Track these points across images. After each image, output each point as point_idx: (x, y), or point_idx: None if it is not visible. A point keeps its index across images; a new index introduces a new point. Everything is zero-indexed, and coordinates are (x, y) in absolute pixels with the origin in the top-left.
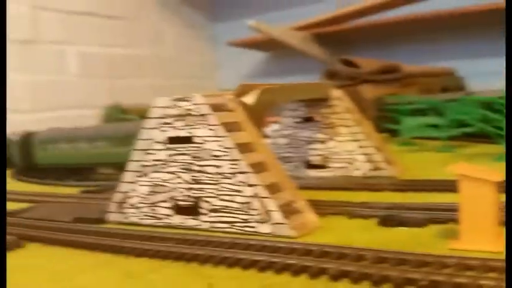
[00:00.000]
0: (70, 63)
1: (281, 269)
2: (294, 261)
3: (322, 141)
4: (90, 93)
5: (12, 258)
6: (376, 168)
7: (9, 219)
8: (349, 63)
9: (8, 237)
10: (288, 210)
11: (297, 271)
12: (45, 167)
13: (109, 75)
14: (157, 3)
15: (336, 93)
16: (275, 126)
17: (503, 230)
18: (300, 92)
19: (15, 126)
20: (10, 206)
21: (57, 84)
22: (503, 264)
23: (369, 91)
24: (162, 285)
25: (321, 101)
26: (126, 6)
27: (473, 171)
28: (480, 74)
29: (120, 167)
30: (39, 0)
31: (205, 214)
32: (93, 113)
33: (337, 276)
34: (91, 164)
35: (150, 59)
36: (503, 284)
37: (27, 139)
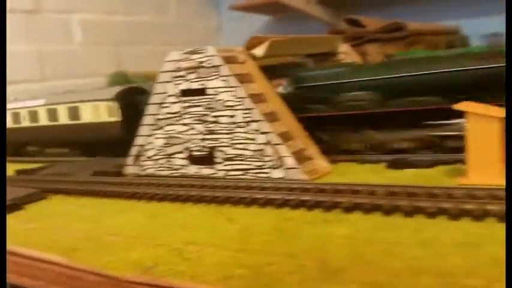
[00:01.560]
0: (75, 31)
1: (296, 205)
2: (309, 198)
3: None
4: (96, 62)
5: (41, 207)
6: None
7: (30, 176)
8: (353, 23)
9: (31, 190)
10: (300, 157)
11: (311, 206)
12: None
13: (113, 43)
14: None
15: (343, 47)
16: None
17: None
18: (309, 45)
19: (25, 95)
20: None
21: (63, 54)
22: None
23: (375, 50)
24: (186, 221)
25: (329, 56)
26: None
27: (479, 108)
28: (484, 32)
29: None
30: None
31: (219, 163)
32: (99, 81)
33: (350, 208)
34: None
35: (153, 25)
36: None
37: None
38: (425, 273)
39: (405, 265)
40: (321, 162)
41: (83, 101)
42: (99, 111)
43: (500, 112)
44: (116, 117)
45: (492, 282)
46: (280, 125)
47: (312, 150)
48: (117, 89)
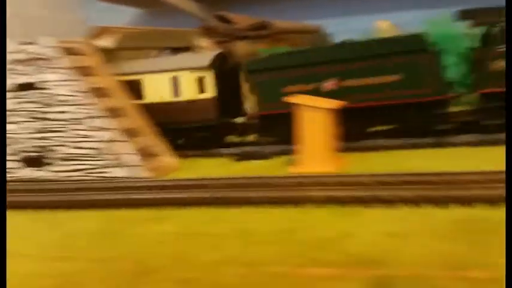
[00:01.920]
0: None
1: (131, 204)
2: (146, 196)
3: None
4: None
5: None
6: None
7: None
8: (224, 20)
9: None
10: (145, 154)
11: (146, 204)
12: None
13: None
14: None
15: (203, 42)
16: None
17: (337, 154)
18: (164, 39)
19: None
20: None
21: None
22: (333, 179)
23: (242, 47)
24: None
25: (187, 50)
26: None
27: (309, 100)
28: (348, 31)
29: None
30: None
31: (57, 164)
32: None
33: (184, 204)
34: None
35: (14, 17)
36: (331, 194)
37: None
38: (237, 263)
39: (222, 257)
40: (167, 159)
41: (152, 72)
42: (182, 85)
43: (327, 104)
44: (208, 93)
45: (296, 268)
46: (124, 121)
47: (159, 146)
48: (205, 54)
